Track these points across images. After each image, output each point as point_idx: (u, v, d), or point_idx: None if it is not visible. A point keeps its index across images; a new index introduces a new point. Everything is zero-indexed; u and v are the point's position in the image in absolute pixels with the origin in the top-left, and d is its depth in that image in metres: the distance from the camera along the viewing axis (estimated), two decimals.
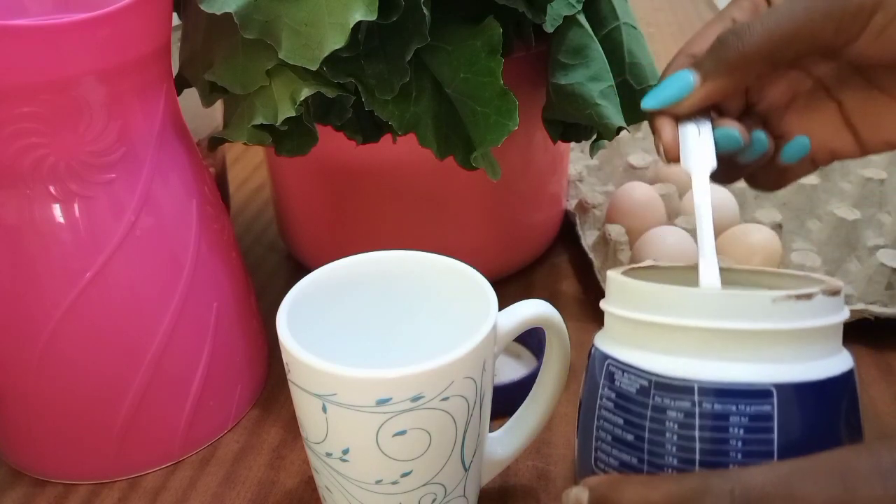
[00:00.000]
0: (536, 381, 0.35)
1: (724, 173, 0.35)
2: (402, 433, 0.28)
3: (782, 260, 0.49)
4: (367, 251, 0.34)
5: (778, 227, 0.51)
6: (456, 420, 0.29)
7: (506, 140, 0.35)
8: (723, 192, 0.53)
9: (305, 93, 0.34)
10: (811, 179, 0.55)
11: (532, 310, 0.32)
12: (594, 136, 0.45)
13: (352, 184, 0.46)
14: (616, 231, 0.50)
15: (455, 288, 0.33)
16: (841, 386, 0.25)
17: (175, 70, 0.39)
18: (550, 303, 0.33)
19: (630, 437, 0.26)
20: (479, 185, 0.44)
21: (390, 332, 0.35)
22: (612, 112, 0.40)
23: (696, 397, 0.25)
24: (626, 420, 0.26)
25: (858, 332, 0.43)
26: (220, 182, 0.57)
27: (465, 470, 0.31)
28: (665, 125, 0.33)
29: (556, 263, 0.54)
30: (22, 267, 0.34)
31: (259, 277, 0.54)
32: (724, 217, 0.51)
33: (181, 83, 0.41)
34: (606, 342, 0.29)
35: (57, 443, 0.37)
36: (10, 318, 0.35)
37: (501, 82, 0.35)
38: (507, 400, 0.38)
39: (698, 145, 0.32)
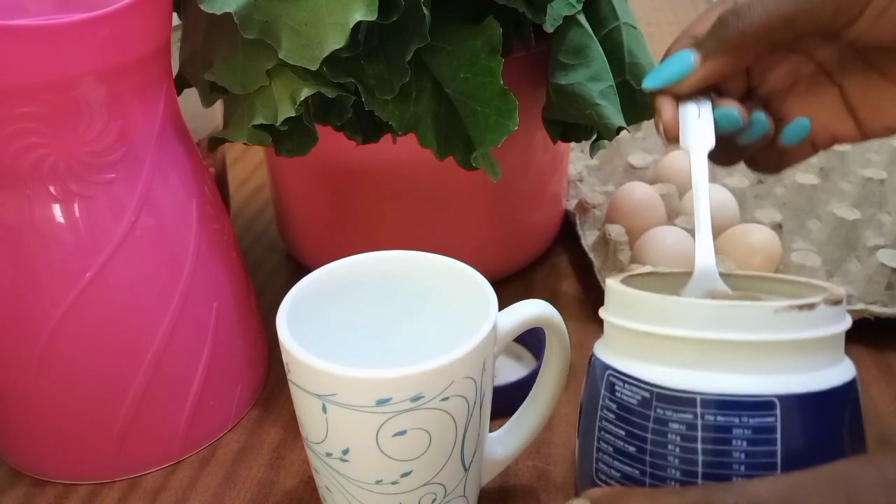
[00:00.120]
0: (536, 381, 0.35)
1: (724, 154, 0.35)
2: (402, 433, 0.28)
3: (782, 260, 0.49)
4: (367, 251, 0.34)
5: (778, 227, 0.51)
6: (456, 420, 0.29)
7: (506, 140, 0.35)
8: (723, 192, 0.53)
9: (305, 93, 0.34)
10: (811, 179, 0.55)
11: (532, 310, 0.32)
12: (594, 136, 0.45)
13: (352, 184, 0.46)
14: (616, 231, 0.50)
15: (455, 288, 0.33)
16: (844, 395, 0.25)
17: (175, 70, 0.39)
18: (550, 303, 0.33)
19: (632, 449, 0.26)
20: (479, 185, 0.44)
21: (390, 332, 0.35)
22: (612, 112, 0.40)
23: (699, 409, 0.25)
24: (628, 432, 0.26)
25: (858, 332, 0.43)
26: (220, 182, 0.57)
27: (465, 470, 0.31)
28: (665, 104, 0.33)
29: (556, 263, 0.54)
30: (22, 267, 0.34)
31: (259, 277, 0.54)
32: (724, 217, 0.51)
33: (181, 83, 0.41)
34: (606, 352, 0.28)
35: (57, 443, 0.37)
36: (10, 318, 0.35)
37: (501, 82, 0.35)
38: (507, 400, 0.38)
39: (698, 124, 0.32)
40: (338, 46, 0.32)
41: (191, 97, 0.40)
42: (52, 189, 0.33)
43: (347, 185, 0.46)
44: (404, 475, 0.29)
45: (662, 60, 0.33)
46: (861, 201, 0.54)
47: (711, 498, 0.23)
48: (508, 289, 0.51)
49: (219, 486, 0.38)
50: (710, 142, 0.32)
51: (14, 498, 0.38)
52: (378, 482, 0.29)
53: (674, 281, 0.32)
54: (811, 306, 0.25)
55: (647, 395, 0.26)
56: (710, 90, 0.34)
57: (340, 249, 0.36)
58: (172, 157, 0.37)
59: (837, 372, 0.26)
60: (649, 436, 0.25)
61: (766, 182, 0.58)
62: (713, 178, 0.57)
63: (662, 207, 0.53)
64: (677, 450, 0.25)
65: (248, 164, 0.71)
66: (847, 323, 0.26)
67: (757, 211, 0.53)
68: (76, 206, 0.34)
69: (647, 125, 0.66)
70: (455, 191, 0.46)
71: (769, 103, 0.36)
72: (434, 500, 0.31)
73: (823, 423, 0.25)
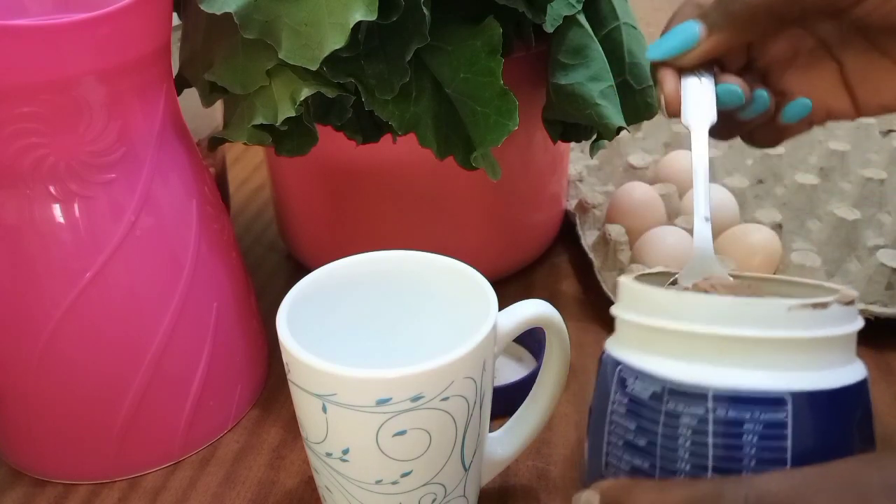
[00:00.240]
0: (536, 381, 0.35)
1: (722, 129, 0.35)
2: (402, 433, 0.28)
3: (782, 260, 0.49)
4: (367, 251, 0.34)
5: (778, 227, 0.51)
6: (456, 420, 0.29)
7: (506, 140, 0.35)
8: (723, 192, 0.53)
9: (305, 93, 0.34)
10: (811, 179, 0.55)
11: (532, 310, 0.32)
12: (594, 136, 0.45)
13: (352, 184, 0.46)
14: (616, 231, 0.50)
15: (455, 288, 0.33)
16: (855, 395, 0.25)
17: (175, 70, 0.39)
18: (550, 303, 0.33)
19: (642, 443, 0.26)
20: (479, 185, 0.44)
21: (390, 332, 0.35)
22: (612, 112, 0.40)
23: (710, 404, 0.25)
24: (639, 425, 0.26)
25: (859, 332, 0.43)
26: (220, 182, 0.57)
27: (465, 470, 0.31)
28: (667, 77, 0.33)
29: (556, 263, 0.54)
30: (22, 267, 0.34)
31: (259, 277, 0.54)
32: (724, 217, 0.51)
33: (181, 83, 0.41)
34: (618, 348, 0.28)
35: (57, 443, 0.37)
36: (10, 318, 0.35)
37: (501, 82, 0.35)
38: (507, 400, 0.38)
39: (700, 99, 0.32)
40: (338, 46, 0.32)
41: (191, 97, 0.40)
42: (52, 189, 0.33)
43: (347, 185, 0.46)
44: (404, 475, 0.29)
45: (665, 30, 0.33)
46: (861, 201, 0.54)
47: (722, 489, 0.23)
48: (508, 289, 0.51)
49: (219, 486, 0.38)
50: (711, 117, 0.31)
51: (14, 498, 0.38)
52: (378, 482, 0.29)
53: None
54: (825, 305, 0.25)
55: (658, 389, 0.26)
56: (712, 64, 0.33)
57: (340, 249, 0.36)
58: (172, 157, 0.37)
59: (849, 372, 0.26)
60: (660, 429, 0.25)
61: (766, 182, 0.58)
62: (713, 178, 0.57)
63: (662, 207, 0.53)
64: (688, 443, 0.25)
65: (248, 164, 0.71)
66: (859, 323, 0.26)
67: (757, 211, 0.53)
68: (76, 206, 0.34)
69: (647, 125, 0.66)
70: (455, 191, 0.46)
71: (768, 76, 0.35)
72: (434, 500, 0.31)
73: (834, 422, 0.25)
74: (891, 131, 0.65)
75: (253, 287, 0.44)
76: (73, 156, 0.33)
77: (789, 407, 0.24)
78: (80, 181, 0.33)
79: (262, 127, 0.36)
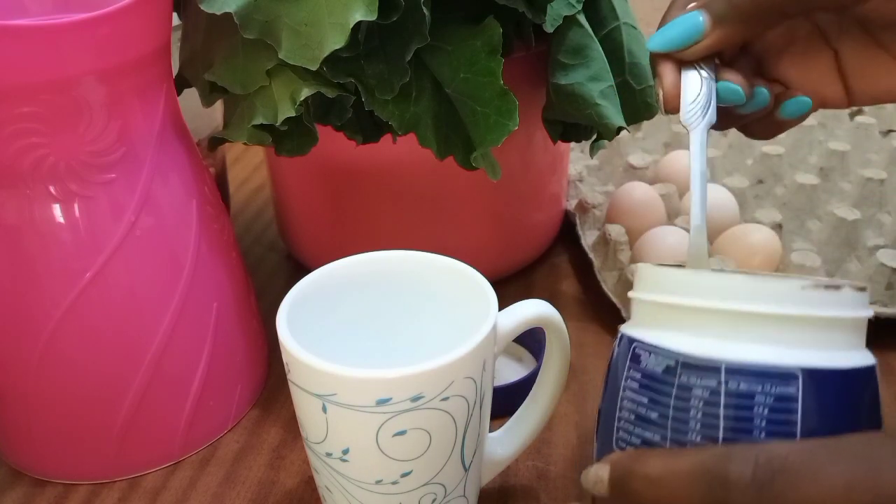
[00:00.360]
0: (536, 381, 0.35)
1: (718, 121, 0.34)
2: (402, 433, 0.28)
3: (782, 260, 0.49)
4: (367, 251, 0.34)
5: (778, 227, 0.51)
6: (456, 420, 0.29)
7: (506, 140, 0.35)
8: (723, 192, 0.53)
9: (305, 93, 0.34)
10: (811, 179, 0.55)
11: (532, 310, 0.32)
12: (594, 136, 0.45)
13: (352, 184, 0.46)
14: (616, 231, 0.50)
15: (455, 288, 0.33)
16: (864, 379, 0.26)
17: (175, 70, 0.39)
18: (550, 303, 0.33)
19: (654, 415, 0.26)
20: (479, 185, 0.44)
21: (390, 332, 0.35)
22: (612, 112, 0.40)
23: (723, 376, 0.25)
24: (651, 398, 0.26)
25: None
26: (220, 182, 0.57)
27: (465, 470, 0.31)
28: (667, 70, 0.32)
29: (556, 263, 0.54)
30: (22, 267, 0.34)
31: (259, 277, 0.54)
32: (724, 217, 0.51)
33: (181, 83, 0.41)
34: (633, 329, 0.29)
35: (57, 443, 0.37)
36: (10, 318, 0.35)
37: (501, 82, 0.35)
38: (507, 400, 0.38)
39: (699, 97, 0.31)
40: (338, 46, 0.32)
41: (191, 97, 0.40)
42: (52, 189, 0.33)
43: (347, 185, 0.46)
44: (404, 475, 0.29)
45: (664, 19, 0.31)
46: (861, 201, 0.54)
47: (732, 451, 0.23)
48: (508, 289, 0.51)
49: (219, 486, 0.38)
50: (710, 119, 0.31)
51: (14, 498, 0.38)
52: (378, 482, 0.29)
53: None
54: (837, 287, 0.26)
55: (672, 363, 0.26)
56: (713, 57, 0.32)
57: (340, 249, 0.36)
58: (172, 157, 0.37)
59: (859, 357, 0.26)
60: (672, 401, 0.26)
61: (766, 182, 0.58)
62: (713, 179, 0.57)
63: (662, 207, 0.53)
64: (699, 415, 0.25)
65: (248, 164, 0.71)
66: (869, 312, 0.27)
67: (757, 211, 0.53)
68: (76, 206, 0.34)
69: (647, 125, 0.66)
70: (455, 191, 0.46)
71: (762, 62, 0.35)
72: (434, 500, 0.31)
73: (843, 401, 0.25)
74: (891, 131, 0.65)
75: (253, 287, 0.44)
76: (73, 156, 0.33)
77: (800, 382, 0.24)
78: (80, 181, 0.33)
79: (262, 127, 0.36)
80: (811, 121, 0.61)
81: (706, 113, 0.31)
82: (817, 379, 0.25)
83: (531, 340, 0.44)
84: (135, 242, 0.35)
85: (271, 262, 0.56)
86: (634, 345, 0.28)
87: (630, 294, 0.30)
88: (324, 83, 0.35)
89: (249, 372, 0.42)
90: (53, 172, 0.33)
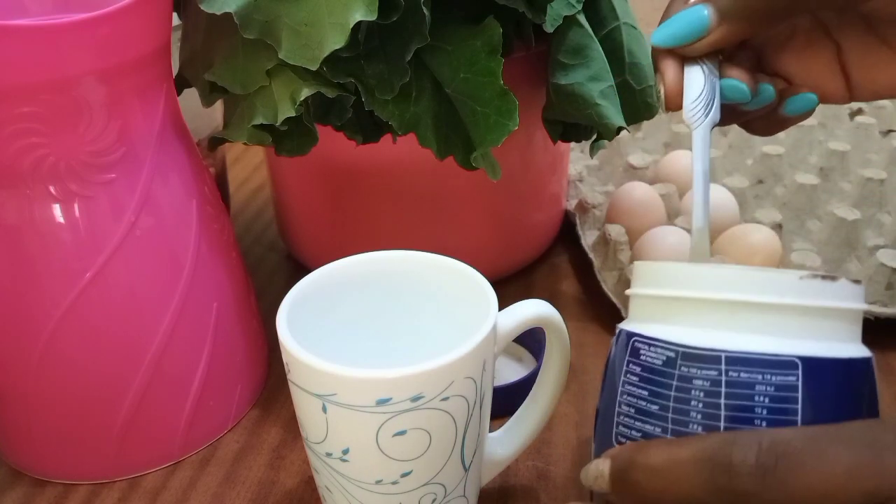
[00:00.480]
0: (536, 381, 0.35)
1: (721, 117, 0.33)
2: (402, 433, 0.28)
3: (782, 260, 0.49)
4: (367, 251, 0.34)
5: (778, 227, 0.51)
6: (456, 420, 0.29)
7: (506, 140, 0.35)
8: (723, 192, 0.53)
9: (305, 93, 0.34)
10: (811, 179, 0.55)
11: (532, 310, 0.32)
12: (594, 136, 0.45)
13: (352, 184, 0.46)
14: (616, 231, 0.50)
15: (455, 288, 0.33)
16: (863, 370, 0.26)
17: (175, 70, 0.39)
18: (550, 303, 0.33)
19: (654, 408, 0.26)
20: (479, 185, 0.44)
21: (390, 332, 0.35)
22: (612, 112, 0.40)
23: (724, 366, 0.25)
24: (651, 391, 0.27)
25: None
26: (220, 182, 0.57)
27: (465, 470, 0.31)
28: (669, 66, 0.31)
29: (556, 263, 0.54)
30: (22, 267, 0.34)
31: (259, 277, 0.54)
32: (724, 217, 0.51)
33: (181, 83, 0.41)
34: (632, 324, 0.29)
35: (57, 443, 0.37)
36: (10, 318, 0.35)
37: (501, 82, 0.35)
38: (507, 400, 0.38)
39: (703, 95, 0.30)
40: (338, 46, 0.32)
41: (191, 97, 0.40)
42: (52, 189, 0.33)
43: (347, 185, 0.46)
44: (404, 475, 0.29)
45: (667, 12, 0.31)
46: (861, 201, 0.54)
47: (735, 436, 0.23)
48: (508, 289, 0.51)
49: (219, 486, 0.38)
50: (714, 118, 0.30)
51: (14, 498, 0.38)
52: (378, 482, 0.29)
53: None
54: (833, 278, 0.26)
55: (672, 354, 0.26)
56: (717, 53, 0.31)
57: (340, 249, 0.36)
58: (172, 157, 0.37)
59: (856, 349, 0.26)
60: (672, 393, 0.26)
61: (766, 182, 0.58)
62: (713, 179, 0.57)
63: (662, 207, 0.53)
64: (700, 405, 0.25)
65: (248, 164, 0.71)
66: (865, 305, 0.27)
67: (757, 211, 0.53)
68: (76, 206, 0.34)
69: (647, 125, 0.66)
70: (455, 191, 0.46)
71: (763, 55, 0.34)
72: (434, 500, 0.31)
73: (843, 391, 0.25)
74: (891, 131, 0.65)
75: (253, 287, 0.44)
76: (73, 156, 0.33)
77: (800, 371, 0.25)
78: (80, 181, 0.33)
79: (262, 127, 0.36)
80: (811, 120, 0.61)
81: (709, 111, 0.31)
82: (817, 368, 0.25)
83: (531, 340, 0.44)
84: (135, 242, 0.35)
85: (271, 262, 0.56)
86: (633, 339, 0.28)
87: (628, 291, 0.30)
88: (324, 83, 0.35)
89: (249, 372, 0.42)
90: (53, 172, 0.33)
